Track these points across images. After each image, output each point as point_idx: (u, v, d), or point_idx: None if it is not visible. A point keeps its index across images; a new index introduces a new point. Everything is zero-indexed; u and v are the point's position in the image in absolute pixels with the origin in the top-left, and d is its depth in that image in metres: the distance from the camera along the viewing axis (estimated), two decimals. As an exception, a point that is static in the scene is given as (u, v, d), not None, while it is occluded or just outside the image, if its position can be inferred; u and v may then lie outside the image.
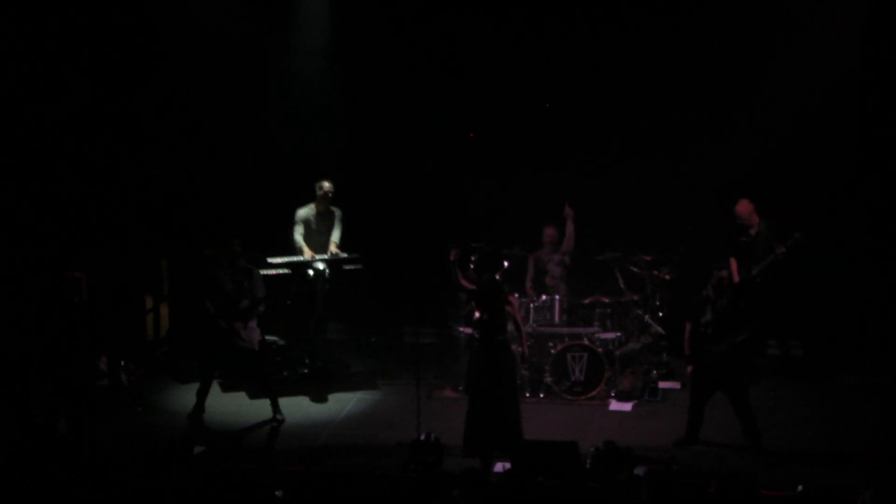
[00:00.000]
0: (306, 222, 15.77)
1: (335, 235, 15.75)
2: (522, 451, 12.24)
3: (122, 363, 15.30)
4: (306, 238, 15.71)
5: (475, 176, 16.88)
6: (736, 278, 15.36)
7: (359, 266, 15.76)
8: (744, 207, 15.49)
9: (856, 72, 15.75)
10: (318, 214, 15.80)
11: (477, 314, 13.36)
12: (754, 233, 15.45)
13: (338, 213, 15.83)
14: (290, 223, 15.79)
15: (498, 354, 13.13)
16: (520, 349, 13.45)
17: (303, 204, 15.83)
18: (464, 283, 13.79)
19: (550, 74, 16.56)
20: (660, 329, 15.62)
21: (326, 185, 15.72)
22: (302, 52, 17.14)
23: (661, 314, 15.70)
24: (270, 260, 15.49)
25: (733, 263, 15.43)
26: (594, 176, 16.67)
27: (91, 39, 16.04)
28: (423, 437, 12.62)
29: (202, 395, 14.35)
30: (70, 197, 16.01)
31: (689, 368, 13.36)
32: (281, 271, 15.57)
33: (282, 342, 15.91)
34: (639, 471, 11.73)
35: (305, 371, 15.72)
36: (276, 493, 10.98)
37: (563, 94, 16.59)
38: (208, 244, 15.87)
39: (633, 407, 14.71)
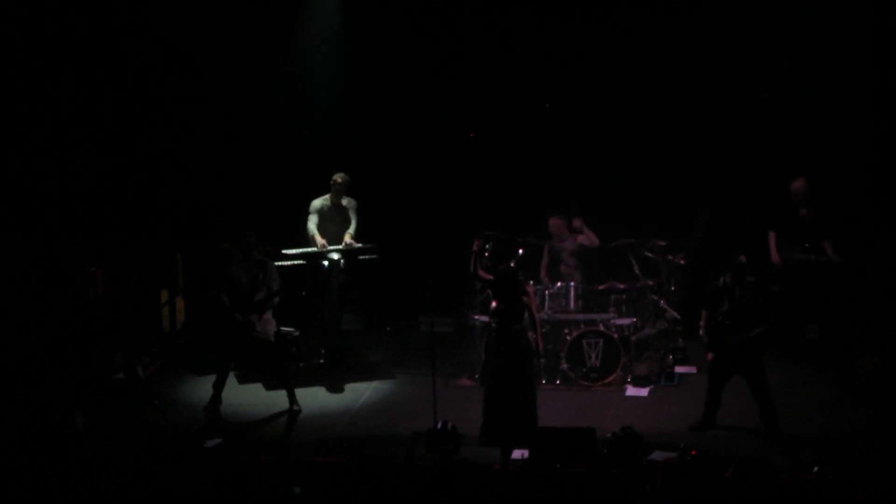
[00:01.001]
0: (321, 212, 15.80)
1: (351, 227, 15.76)
2: (540, 439, 12.24)
3: (138, 356, 15.33)
4: (321, 229, 15.73)
5: (488, 163, 16.88)
6: (773, 253, 15.38)
7: (373, 256, 15.76)
8: (800, 185, 15.46)
9: (864, 66, 15.79)
10: (333, 206, 15.82)
11: (493, 303, 13.34)
12: (806, 213, 15.42)
13: (352, 203, 15.84)
14: (304, 215, 15.81)
15: (514, 343, 13.13)
16: (534, 337, 13.43)
17: (317, 195, 15.86)
18: (481, 272, 13.77)
19: (560, 61, 16.56)
20: (675, 314, 15.60)
21: (340, 177, 15.75)
22: (312, 46, 17.17)
23: (676, 299, 15.67)
24: (285, 251, 15.50)
25: (772, 238, 15.45)
26: (608, 162, 16.67)
27: (103, 37, 16.07)
28: (439, 426, 12.63)
29: (218, 387, 14.37)
30: (85, 191, 16.04)
31: (710, 355, 13.33)
32: (296, 262, 15.58)
33: (297, 333, 15.93)
34: (656, 456, 11.74)
35: (321, 362, 15.76)
36: (295, 489, 10.98)
37: (576, 79, 16.57)
38: (223, 237, 15.90)
39: (650, 392, 14.70)
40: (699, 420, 13.32)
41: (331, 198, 15.83)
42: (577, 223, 15.67)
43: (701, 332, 13.38)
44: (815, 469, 11.15)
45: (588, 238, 15.63)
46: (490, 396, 13.10)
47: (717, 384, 13.28)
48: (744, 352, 13.05)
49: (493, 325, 13.25)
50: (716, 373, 13.27)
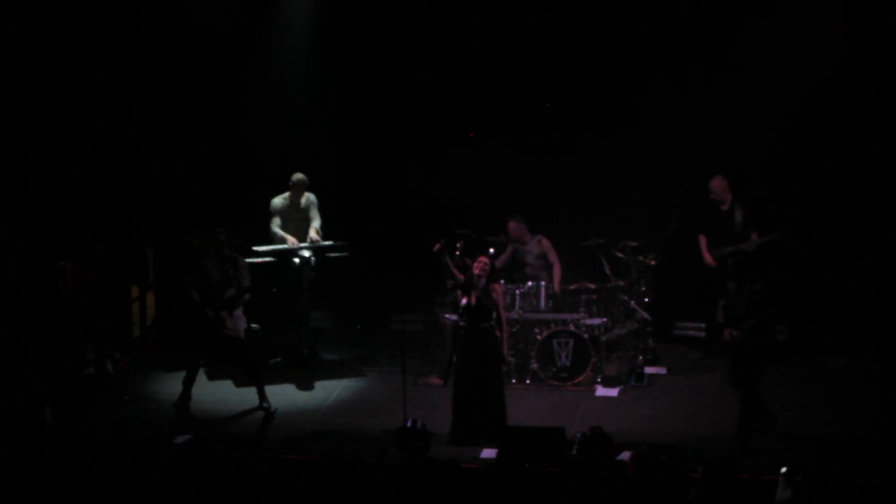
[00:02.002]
0: (282, 212, 15.74)
1: (315, 223, 15.71)
2: (509, 438, 12.27)
3: (108, 351, 15.27)
4: (284, 228, 15.68)
5: (459, 162, 16.87)
6: (706, 255, 15.51)
7: (344, 254, 15.74)
8: (718, 183, 15.68)
9: (839, 61, 15.85)
10: (293, 205, 15.76)
11: (463, 300, 13.39)
12: (726, 209, 15.60)
13: (312, 198, 15.77)
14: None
15: (484, 341, 13.18)
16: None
17: (279, 192, 15.83)
18: (455, 271, 13.71)
19: (532, 57, 16.56)
20: (646, 315, 15.62)
21: (298, 177, 15.68)
22: (284, 42, 17.12)
23: (646, 300, 15.70)
24: (256, 248, 15.47)
25: (702, 240, 15.62)
26: (579, 161, 16.65)
27: (81, 33, 16.02)
28: (409, 424, 12.64)
29: (188, 383, 14.34)
30: (56, 186, 15.98)
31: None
32: (266, 259, 15.55)
33: (267, 330, 15.89)
34: (623, 456, 11.78)
35: (291, 359, 15.71)
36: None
37: (551, 77, 16.59)
38: (194, 233, 15.87)
39: (620, 392, 14.74)
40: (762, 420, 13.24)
41: (290, 197, 15.77)
42: (545, 243, 15.72)
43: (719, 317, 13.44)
44: (784, 470, 11.21)
45: (553, 256, 15.67)
46: (459, 394, 13.14)
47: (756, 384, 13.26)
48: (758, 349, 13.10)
49: (462, 322, 13.29)
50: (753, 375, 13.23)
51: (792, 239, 15.35)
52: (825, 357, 15.57)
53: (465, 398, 13.16)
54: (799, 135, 16.00)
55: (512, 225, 15.74)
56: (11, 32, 15.54)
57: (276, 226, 15.69)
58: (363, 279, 16.71)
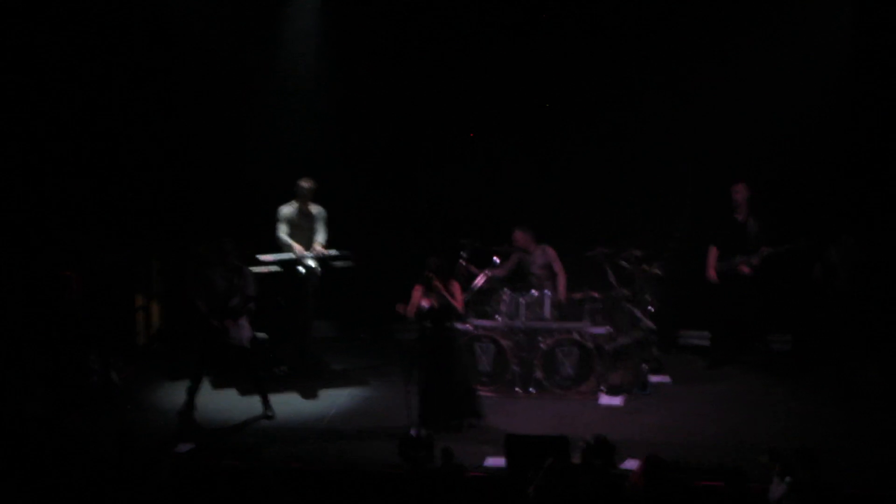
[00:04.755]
0: (289, 220, 15.75)
1: (321, 237, 15.71)
2: (512, 446, 12.26)
3: (113, 361, 15.29)
4: (291, 236, 15.69)
5: (466, 171, 16.91)
6: (711, 270, 15.50)
7: (349, 263, 15.74)
8: (740, 189, 15.58)
9: (847, 68, 15.87)
10: (301, 212, 15.77)
11: (425, 303, 13.57)
12: (741, 219, 15.54)
13: (321, 212, 15.79)
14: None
15: (451, 339, 13.85)
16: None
17: (285, 202, 15.84)
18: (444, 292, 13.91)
19: (536, 68, 16.60)
20: (650, 324, 15.62)
21: (307, 183, 15.70)
22: (290, 51, 17.18)
23: (651, 309, 15.70)
24: (260, 257, 15.48)
25: (712, 253, 15.57)
26: (585, 171, 16.67)
27: (86, 42, 16.05)
28: (413, 433, 12.65)
29: (192, 392, 14.32)
30: (61, 195, 16.01)
31: None
32: (272, 269, 15.56)
33: (272, 339, 15.91)
34: (628, 465, 11.77)
35: (296, 368, 15.73)
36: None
37: (553, 88, 16.62)
38: (199, 242, 15.88)
39: (624, 401, 14.72)
40: None
41: (299, 205, 15.78)
42: (550, 252, 15.72)
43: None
44: (764, 459, 11.25)
45: (558, 266, 15.68)
46: (426, 388, 13.75)
47: None
48: None
49: (428, 324, 13.66)
50: None
51: (808, 250, 15.33)
52: (830, 366, 15.51)
53: (434, 392, 13.70)
54: (807, 141, 15.99)
55: (518, 234, 15.75)
56: (27, 37, 15.59)
57: (282, 233, 15.70)
58: (368, 288, 16.73)
